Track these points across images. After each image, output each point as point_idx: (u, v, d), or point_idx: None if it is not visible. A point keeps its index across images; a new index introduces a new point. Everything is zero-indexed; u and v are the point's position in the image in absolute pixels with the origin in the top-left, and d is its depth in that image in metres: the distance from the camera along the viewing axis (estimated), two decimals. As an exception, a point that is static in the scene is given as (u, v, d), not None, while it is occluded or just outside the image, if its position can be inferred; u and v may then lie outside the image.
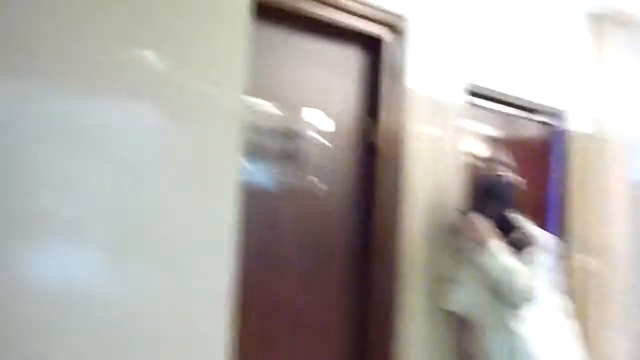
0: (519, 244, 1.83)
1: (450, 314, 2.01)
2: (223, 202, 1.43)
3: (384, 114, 1.94)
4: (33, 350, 1.10)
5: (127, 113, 1.25)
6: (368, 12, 1.87)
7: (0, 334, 1.05)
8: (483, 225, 1.82)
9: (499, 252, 1.77)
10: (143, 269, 1.27)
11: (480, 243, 1.80)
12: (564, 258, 2.39)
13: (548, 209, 2.69)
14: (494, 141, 2.43)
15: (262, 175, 1.74)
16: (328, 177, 1.90)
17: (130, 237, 1.25)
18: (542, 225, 2.09)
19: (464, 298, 1.92)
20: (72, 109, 1.17)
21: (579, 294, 2.61)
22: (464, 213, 1.92)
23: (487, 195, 1.88)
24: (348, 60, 1.98)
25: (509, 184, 1.93)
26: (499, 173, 1.97)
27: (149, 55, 1.27)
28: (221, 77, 1.41)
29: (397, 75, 1.97)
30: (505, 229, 1.85)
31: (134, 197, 1.26)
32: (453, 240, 1.94)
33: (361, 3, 1.85)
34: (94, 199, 1.19)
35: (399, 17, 1.96)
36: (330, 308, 1.91)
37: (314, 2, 1.75)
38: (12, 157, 1.08)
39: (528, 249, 1.81)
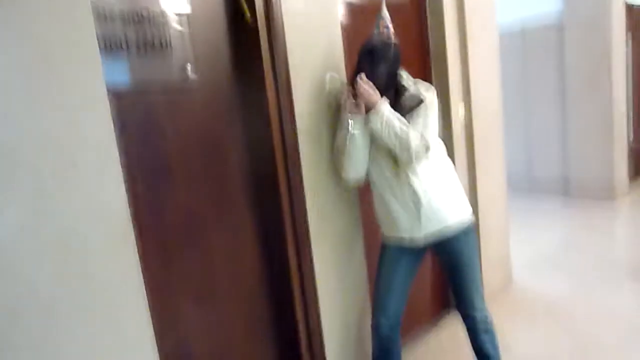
0: (407, 103, 1.87)
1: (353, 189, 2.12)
2: (94, 113, 1.22)
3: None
4: None
5: None
6: None
7: None
8: (370, 89, 1.81)
9: (387, 116, 1.80)
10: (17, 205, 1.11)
11: (370, 107, 1.81)
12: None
13: (426, 64, 2.77)
14: (371, 7, 2.35)
15: (124, 72, 1.52)
16: (201, 65, 1.72)
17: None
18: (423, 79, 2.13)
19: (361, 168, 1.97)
20: None
21: (453, 138, 2.83)
22: (351, 83, 1.88)
23: (372, 57, 1.86)
24: None
25: (390, 43, 1.93)
26: (379, 33, 1.98)
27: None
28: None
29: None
30: (393, 89, 1.91)
31: None
32: (344, 112, 1.92)
33: None
34: None
35: None
36: (225, 211, 1.87)
37: None
38: None
39: (415, 106, 1.87)
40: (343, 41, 2.11)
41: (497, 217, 3.25)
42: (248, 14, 1.77)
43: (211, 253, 1.83)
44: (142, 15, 1.54)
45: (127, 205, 1.33)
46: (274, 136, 1.86)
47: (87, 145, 1.25)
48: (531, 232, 4.45)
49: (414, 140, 1.79)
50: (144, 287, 1.37)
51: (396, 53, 1.90)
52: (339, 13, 2.13)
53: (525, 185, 5.75)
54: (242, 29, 1.81)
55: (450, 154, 2.41)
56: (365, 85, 1.80)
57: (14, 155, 1.12)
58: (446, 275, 2.06)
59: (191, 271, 1.76)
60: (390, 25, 2.01)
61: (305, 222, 1.96)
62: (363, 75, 1.81)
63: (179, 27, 1.65)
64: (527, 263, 3.72)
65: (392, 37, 1.99)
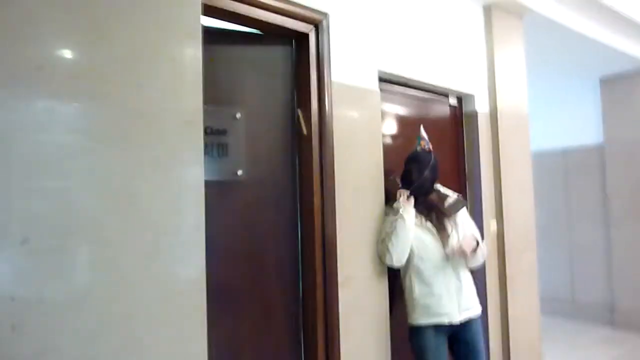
0: (453, 206, 2.31)
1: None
2: (191, 199, 1.51)
3: (312, 105, 2.10)
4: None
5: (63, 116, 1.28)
6: (292, 10, 2.03)
7: None
8: (405, 195, 2.25)
9: (402, 217, 2.20)
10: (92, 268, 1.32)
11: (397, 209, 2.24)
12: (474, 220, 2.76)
13: (461, 180, 3.02)
14: (409, 121, 2.69)
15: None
16: (252, 167, 2.06)
17: (75, 238, 1.27)
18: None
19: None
20: None
21: (491, 252, 2.98)
22: (393, 180, 2.35)
23: (418, 164, 2.29)
24: (276, 58, 2.16)
25: (430, 155, 2.32)
26: (420, 146, 2.35)
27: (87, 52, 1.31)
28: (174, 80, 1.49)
29: (323, 68, 2.13)
30: (433, 193, 2.33)
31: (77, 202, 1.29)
32: (397, 203, 2.25)
33: (285, 2, 2.00)
34: (43, 220, 1.20)
35: (321, 13, 2.13)
36: (258, 290, 2.07)
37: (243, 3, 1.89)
38: None
39: (459, 209, 2.32)
40: (384, 151, 2.40)
41: (528, 340, 3.22)
42: (305, 130, 2.12)
43: (241, 328, 2.00)
44: (218, 130, 1.97)
45: (204, 275, 1.53)
46: (315, 228, 2.09)
47: (186, 223, 1.50)
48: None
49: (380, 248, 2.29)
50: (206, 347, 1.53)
51: (435, 162, 2.30)
52: (381, 128, 2.45)
53: (568, 309, 5.57)
54: (294, 136, 2.15)
55: (481, 269, 2.57)
56: (403, 193, 2.26)
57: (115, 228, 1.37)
58: None
59: (222, 340, 1.92)
60: (429, 142, 2.34)
61: (337, 315, 2.09)
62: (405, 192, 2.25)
63: (237, 139, 2.04)
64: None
65: (431, 150, 2.33)
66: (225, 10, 1.86)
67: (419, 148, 2.34)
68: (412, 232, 2.20)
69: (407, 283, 2.27)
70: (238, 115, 2.02)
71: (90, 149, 1.31)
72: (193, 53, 1.54)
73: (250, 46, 2.12)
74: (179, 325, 1.45)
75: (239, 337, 2.00)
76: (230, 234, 2.00)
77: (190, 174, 1.52)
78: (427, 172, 2.26)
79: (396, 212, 2.23)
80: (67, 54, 1.29)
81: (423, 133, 2.36)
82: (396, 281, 2.34)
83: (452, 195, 2.36)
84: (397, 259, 2.21)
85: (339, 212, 2.13)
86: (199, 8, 1.57)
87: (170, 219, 1.45)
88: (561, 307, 5.49)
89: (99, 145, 1.33)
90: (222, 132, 1.98)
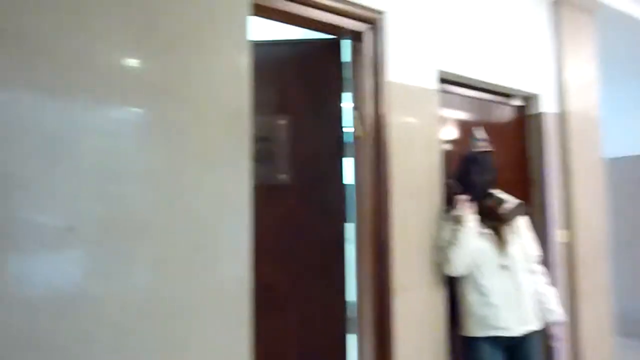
0: (512, 211, 2.16)
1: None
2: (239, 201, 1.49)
3: (367, 105, 2.03)
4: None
5: (125, 119, 1.29)
6: (347, 9, 1.98)
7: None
8: (465, 203, 2.12)
9: (464, 225, 2.08)
10: (147, 272, 1.31)
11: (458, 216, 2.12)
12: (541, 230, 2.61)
13: (525, 188, 2.84)
14: (469, 125, 2.56)
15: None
16: (296, 171, 2.07)
17: (129, 240, 1.27)
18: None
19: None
20: (59, 114, 1.20)
21: (557, 264, 2.76)
22: (451, 184, 2.22)
23: (475, 166, 2.16)
24: (322, 60, 2.14)
25: (487, 155, 2.21)
26: (478, 148, 2.25)
27: (154, 62, 1.33)
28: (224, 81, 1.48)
29: (378, 68, 2.06)
30: (481, 196, 2.17)
31: (132, 203, 1.29)
32: (457, 210, 2.13)
33: (341, 1, 1.95)
34: (83, 205, 1.21)
35: (377, 12, 2.06)
36: (300, 286, 2.06)
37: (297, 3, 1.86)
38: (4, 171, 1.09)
39: (518, 215, 2.18)
40: (442, 156, 2.29)
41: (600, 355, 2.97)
42: (360, 132, 2.05)
43: (285, 330, 2.01)
44: (262, 137, 1.99)
45: (250, 274, 1.50)
46: (369, 233, 2.01)
47: (232, 220, 1.48)
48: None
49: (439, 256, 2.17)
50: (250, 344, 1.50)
51: (493, 165, 2.17)
52: (440, 129, 2.33)
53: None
54: (342, 139, 2.10)
55: (549, 279, 2.38)
56: (463, 200, 2.13)
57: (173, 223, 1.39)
58: None
59: (265, 337, 1.89)
60: (487, 142, 2.21)
61: (390, 324, 2.00)
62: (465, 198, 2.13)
63: (281, 144, 2.06)
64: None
65: (490, 151, 2.20)
66: (278, 10, 1.84)
67: (474, 148, 2.22)
68: (474, 240, 2.08)
69: (461, 292, 2.15)
70: (282, 122, 2.06)
71: (143, 148, 1.32)
72: (243, 57, 1.53)
73: (295, 50, 2.12)
74: (224, 324, 1.42)
75: (282, 339, 2.02)
76: (274, 237, 2.01)
77: (237, 171, 1.50)
78: (486, 175, 2.15)
79: (455, 218, 2.11)
80: (130, 62, 1.31)
81: (479, 134, 2.24)
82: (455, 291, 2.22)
83: (511, 201, 2.21)
84: (459, 269, 2.09)
85: (394, 216, 2.04)
86: (247, 10, 1.56)
87: (216, 216, 1.43)
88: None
89: (151, 145, 1.34)
90: (266, 139, 2.05)
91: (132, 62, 1.31)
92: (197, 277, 1.38)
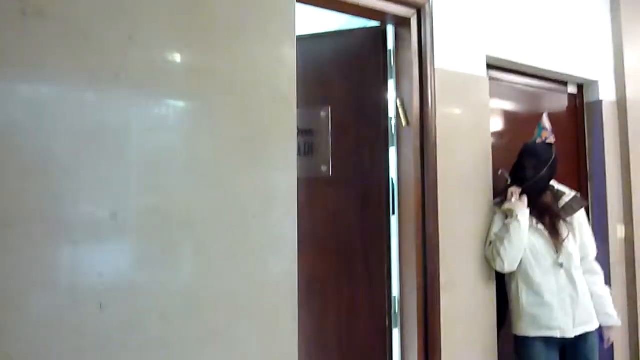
0: (572, 205, 2.06)
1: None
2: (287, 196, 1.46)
3: (413, 94, 1.96)
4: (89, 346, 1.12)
5: (176, 111, 1.28)
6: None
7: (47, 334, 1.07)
8: (517, 194, 2.03)
9: (517, 219, 1.97)
10: (203, 264, 1.30)
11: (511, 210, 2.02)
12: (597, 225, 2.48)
13: (581, 180, 2.68)
14: (521, 114, 2.43)
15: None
16: (337, 164, 2.04)
17: (180, 234, 1.26)
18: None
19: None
20: (107, 106, 1.19)
21: (616, 262, 2.60)
22: (503, 175, 2.12)
23: (535, 159, 2.03)
24: (364, 49, 2.07)
25: (549, 148, 2.06)
26: (540, 138, 2.09)
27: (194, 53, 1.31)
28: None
29: (424, 54, 1.98)
30: (539, 191, 2.05)
31: (185, 194, 1.28)
32: (509, 204, 2.03)
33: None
34: (129, 195, 1.20)
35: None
36: (342, 279, 2.04)
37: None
38: (55, 162, 1.09)
39: (578, 210, 2.06)
40: (492, 144, 2.18)
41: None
42: (405, 122, 1.98)
43: (327, 323, 2.02)
44: (303, 130, 2.01)
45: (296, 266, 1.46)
46: (415, 226, 1.93)
47: (277, 210, 1.44)
48: None
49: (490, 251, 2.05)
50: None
51: (555, 159, 2.04)
52: (490, 118, 2.22)
53: None
54: (385, 130, 2.03)
55: (607, 277, 2.24)
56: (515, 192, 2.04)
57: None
58: None
59: (308, 333, 1.88)
60: (552, 133, 2.08)
61: (438, 321, 1.93)
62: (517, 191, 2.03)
63: (322, 137, 2.04)
64: None
65: (552, 143, 2.07)
66: None
67: (538, 140, 2.08)
68: (526, 236, 1.97)
69: (513, 290, 2.04)
70: (323, 114, 2.03)
71: (189, 138, 1.30)
72: (289, 45, 1.48)
73: (337, 41, 2.08)
74: (269, 316, 1.39)
75: (323, 331, 2.02)
76: (317, 229, 2.00)
77: (284, 163, 1.46)
78: (545, 170, 2.01)
79: (507, 212, 2.01)
80: (177, 52, 1.29)
81: (546, 122, 2.10)
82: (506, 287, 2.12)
83: (568, 193, 2.08)
84: (509, 265, 1.98)
85: (441, 209, 1.96)
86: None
87: (263, 206, 1.39)
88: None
89: (198, 135, 1.32)
90: (308, 132, 2.04)
91: (179, 52, 1.29)
92: (243, 268, 1.35)
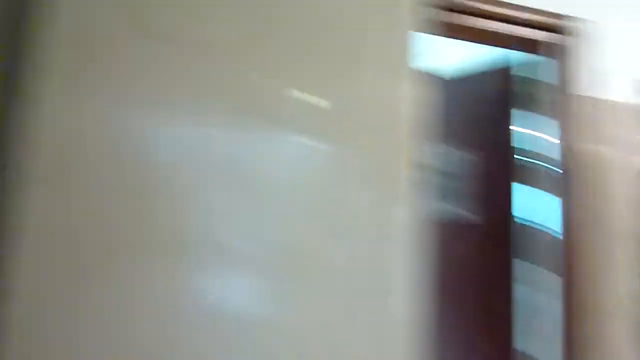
0: None
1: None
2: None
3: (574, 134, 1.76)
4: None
5: (298, 150, 1.26)
6: (553, 22, 1.71)
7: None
8: None
9: None
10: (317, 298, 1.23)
11: None
12: None
13: None
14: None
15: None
16: (481, 206, 1.92)
17: (300, 267, 1.23)
18: None
19: None
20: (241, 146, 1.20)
21: None
22: None
23: None
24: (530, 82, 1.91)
25: None
26: None
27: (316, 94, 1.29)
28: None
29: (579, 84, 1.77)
30: None
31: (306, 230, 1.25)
32: None
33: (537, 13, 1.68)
34: (261, 230, 1.19)
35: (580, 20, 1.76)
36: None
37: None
38: (189, 195, 1.13)
39: None
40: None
41: None
42: (569, 164, 1.77)
43: None
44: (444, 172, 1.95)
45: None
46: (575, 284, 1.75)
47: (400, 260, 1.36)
48: None
49: None
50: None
51: None
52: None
53: None
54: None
55: None
56: None
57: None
58: None
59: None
60: None
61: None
62: None
63: (462, 179, 1.96)
64: None
65: None
66: (466, 28, 1.65)
67: None
68: None
69: None
70: (465, 156, 1.96)
71: (314, 177, 1.28)
72: (402, 84, 1.39)
73: (482, 79, 1.98)
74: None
75: None
76: (454, 274, 1.92)
77: (406, 207, 1.35)
78: None
79: None
80: (299, 92, 1.28)
81: None
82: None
83: None
84: None
85: (596, 265, 1.74)
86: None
87: (386, 250, 1.30)
88: None
89: (320, 175, 1.28)
90: (450, 175, 1.99)
91: (301, 91, 1.29)
92: (362, 314, 1.27)
